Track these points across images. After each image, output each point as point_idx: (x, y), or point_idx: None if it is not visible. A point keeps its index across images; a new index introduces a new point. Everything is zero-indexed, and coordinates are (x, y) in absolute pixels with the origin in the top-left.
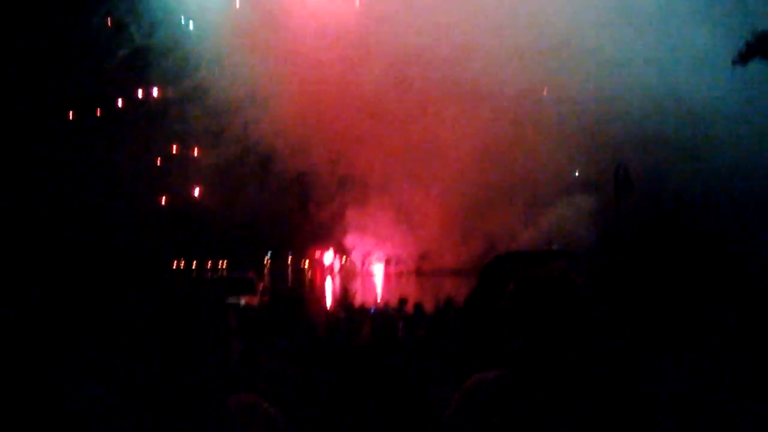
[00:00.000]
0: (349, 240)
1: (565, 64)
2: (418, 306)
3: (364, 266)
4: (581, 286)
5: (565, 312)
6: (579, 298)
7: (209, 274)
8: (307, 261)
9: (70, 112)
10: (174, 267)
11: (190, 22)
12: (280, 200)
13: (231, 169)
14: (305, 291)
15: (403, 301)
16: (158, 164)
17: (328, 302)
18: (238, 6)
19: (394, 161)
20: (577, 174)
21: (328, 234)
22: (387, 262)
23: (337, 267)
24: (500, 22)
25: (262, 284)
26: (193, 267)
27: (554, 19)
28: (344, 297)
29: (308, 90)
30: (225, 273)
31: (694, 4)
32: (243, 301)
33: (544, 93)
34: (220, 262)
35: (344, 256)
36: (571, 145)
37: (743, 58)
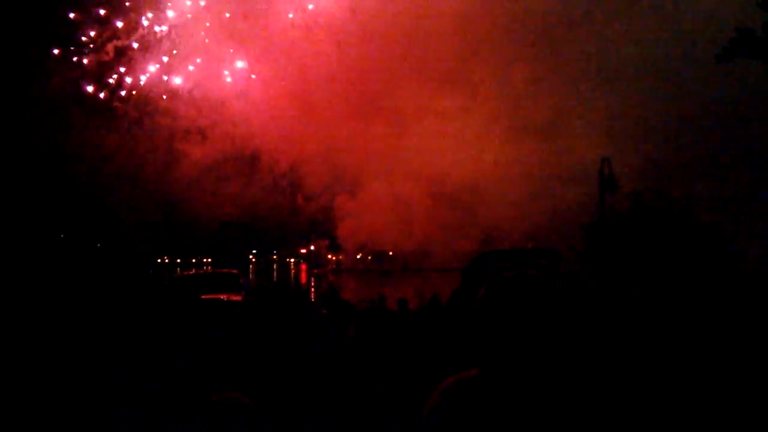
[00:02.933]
0: (338, 237)
1: (551, 60)
2: (402, 302)
3: (351, 263)
4: (560, 284)
5: (540, 311)
6: (556, 297)
7: (193, 269)
8: (293, 258)
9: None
10: (158, 262)
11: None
12: (269, 196)
13: (218, 166)
14: (290, 288)
15: (382, 298)
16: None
17: (313, 299)
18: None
19: (385, 159)
20: (561, 170)
21: (316, 230)
22: (374, 259)
23: (322, 263)
24: (493, 18)
25: (244, 281)
26: (177, 263)
27: (544, 18)
28: (329, 294)
29: (295, 87)
30: (209, 269)
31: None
32: (226, 298)
33: (531, 88)
34: (205, 258)
35: (330, 253)
36: (558, 142)
37: (727, 54)
